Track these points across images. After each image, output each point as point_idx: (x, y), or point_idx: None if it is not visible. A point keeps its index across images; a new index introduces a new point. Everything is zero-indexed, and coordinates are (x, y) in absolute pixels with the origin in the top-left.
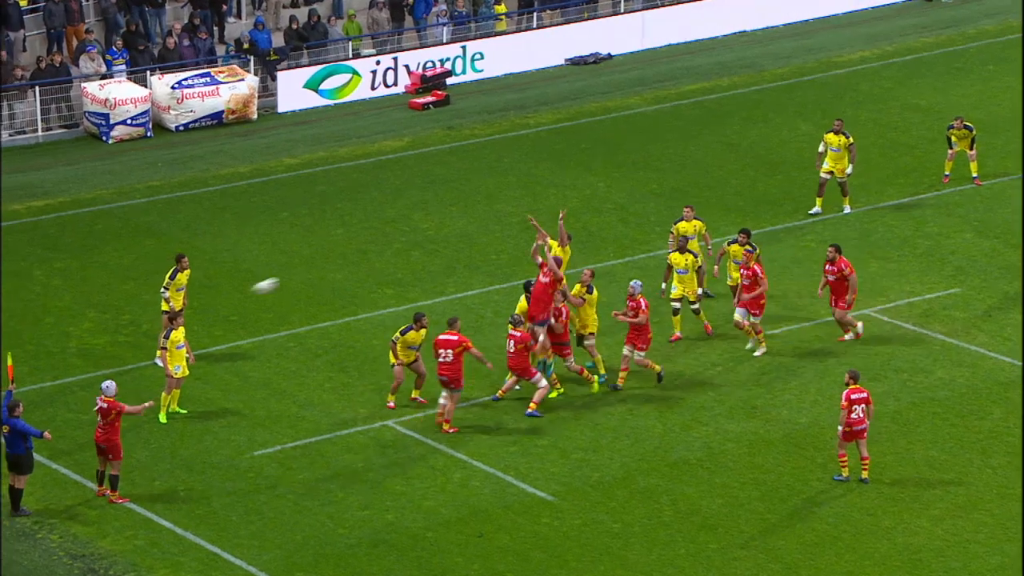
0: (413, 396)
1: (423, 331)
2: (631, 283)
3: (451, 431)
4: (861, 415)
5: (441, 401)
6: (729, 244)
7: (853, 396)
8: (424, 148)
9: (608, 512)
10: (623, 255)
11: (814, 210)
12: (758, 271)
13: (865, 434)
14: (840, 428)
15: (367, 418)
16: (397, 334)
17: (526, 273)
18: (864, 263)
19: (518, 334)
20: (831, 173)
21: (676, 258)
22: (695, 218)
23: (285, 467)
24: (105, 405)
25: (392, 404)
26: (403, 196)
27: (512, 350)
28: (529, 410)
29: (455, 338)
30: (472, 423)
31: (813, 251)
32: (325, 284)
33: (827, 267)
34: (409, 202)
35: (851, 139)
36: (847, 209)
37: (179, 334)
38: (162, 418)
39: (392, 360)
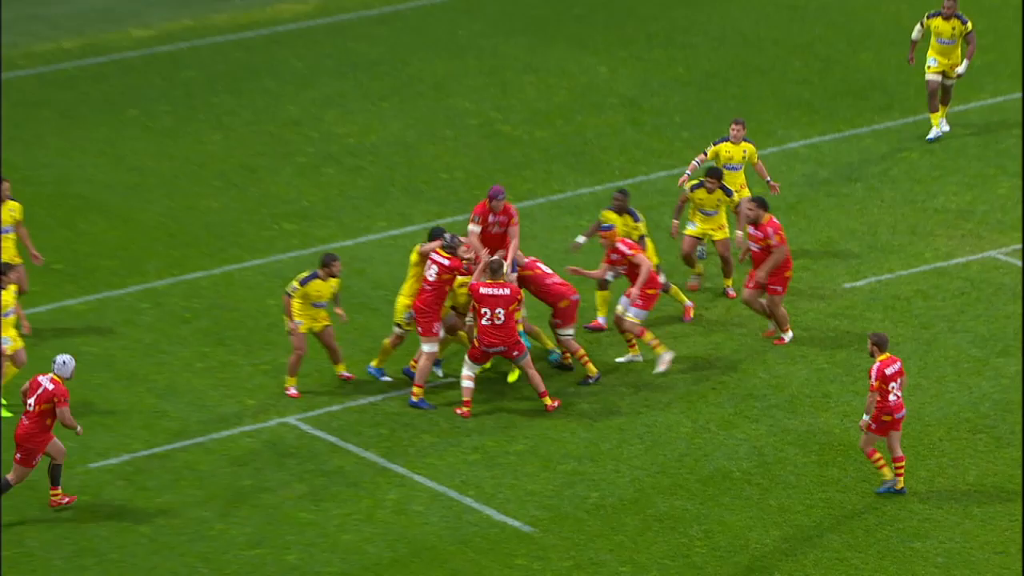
0: (340, 373)
1: (333, 280)
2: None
3: (555, 405)
4: (899, 396)
5: (468, 384)
6: (693, 188)
7: (887, 370)
8: (341, 15)
9: (612, 549)
10: (633, 173)
11: (934, 133)
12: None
13: (901, 424)
14: (866, 419)
15: (258, 413)
16: (295, 283)
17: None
18: (993, 183)
19: (446, 261)
20: (941, 74)
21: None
22: (745, 140)
23: (136, 486)
24: (51, 387)
25: (293, 391)
26: (310, 87)
27: (433, 279)
28: (412, 399)
29: (506, 292)
30: (410, 420)
31: (914, 165)
32: (195, 217)
33: (749, 229)
34: (319, 96)
35: (969, 25)
36: (936, 132)
37: (8, 296)
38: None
39: (287, 323)
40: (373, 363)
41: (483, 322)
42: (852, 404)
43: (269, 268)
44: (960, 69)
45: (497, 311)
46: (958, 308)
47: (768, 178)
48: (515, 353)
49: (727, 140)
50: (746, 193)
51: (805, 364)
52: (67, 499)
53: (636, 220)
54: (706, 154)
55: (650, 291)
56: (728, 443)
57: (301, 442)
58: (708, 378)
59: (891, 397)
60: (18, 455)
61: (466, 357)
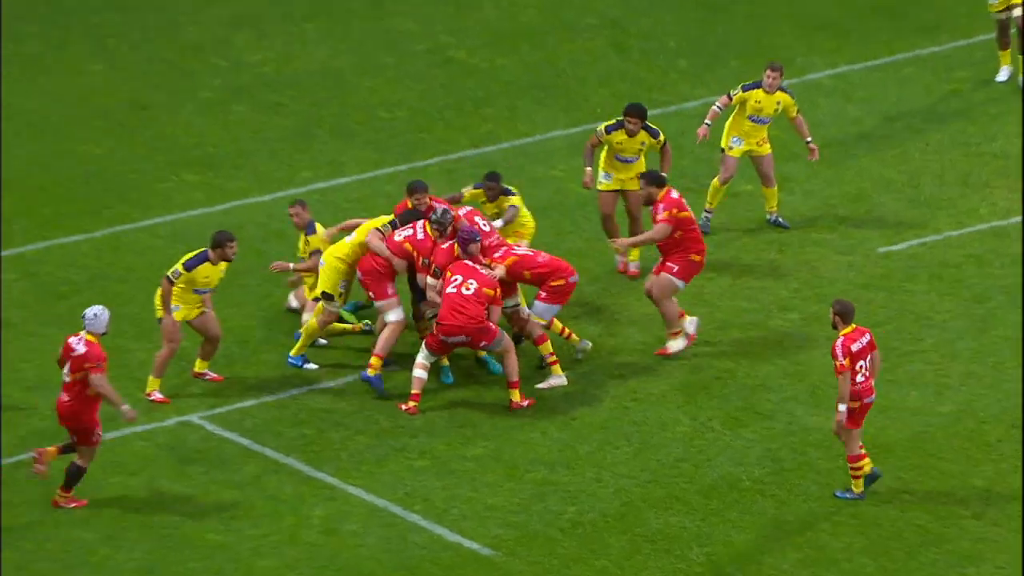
0: (199, 371)
1: (223, 265)
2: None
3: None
4: (867, 377)
5: (420, 374)
6: (610, 129)
7: (853, 346)
8: None
9: None
10: (617, 110)
11: (1004, 73)
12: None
13: (866, 413)
14: (843, 410)
15: (153, 410)
16: (179, 267)
17: (443, 146)
18: None
19: (421, 235)
20: (1007, 9)
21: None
22: (781, 89)
23: None
24: (83, 349)
25: (158, 394)
26: (215, 3)
27: (397, 240)
28: (365, 372)
29: (484, 272)
30: (342, 418)
31: (967, 100)
32: (72, 166)
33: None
34: (226, 15)
35: None
36: (1007, 71)
37: None
38: None
39: (158, 309)
40: (293, 351)
41: (448, 289)
42: (890, 397)
43: (166, 230)
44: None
45: (469, 281)
46: (1019, 277)
47: (808, 138)
48: (482, 343)
49: (759, 87)
50: (766, 149)
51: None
52: (74, 503)
53: (510, 195)
54: (731, 98)
55: (555, 282)
56: (735, 445)
57: (207, 445)
58: (710, 366)
59: (858, 378)
60: (73, 437)
61: (423, 344)
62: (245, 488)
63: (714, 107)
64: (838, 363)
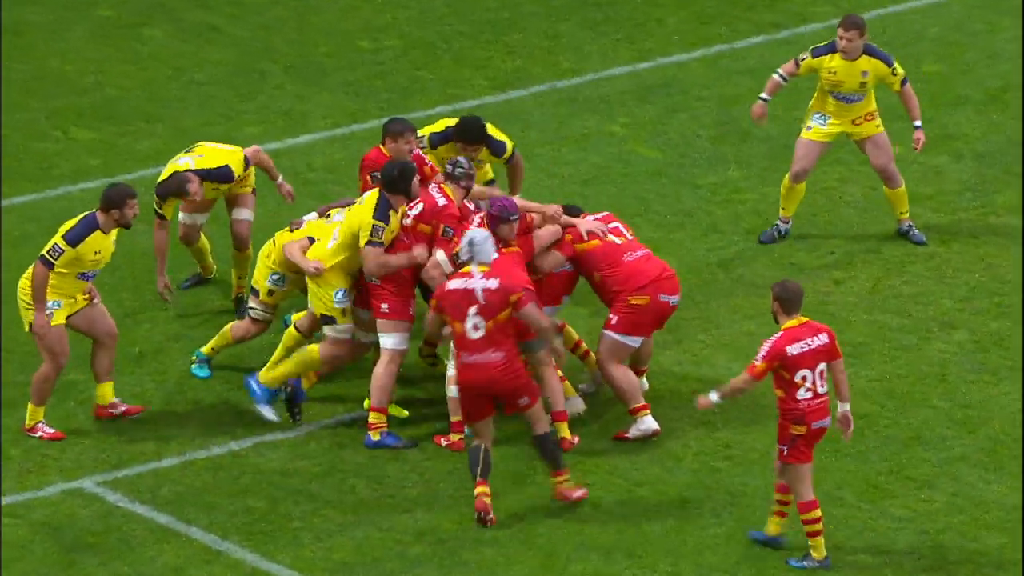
0: (105, 404)
1: (115, 234)
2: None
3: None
4: (819, 394)
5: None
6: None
7: (791, 348)
8: None
9: None
10: (701, 24)
11: None
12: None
13: (817, 441)
14: (712, 398)
15: (26, 471)
16: (58, 241)
17: (451, 89)
18: None
19: (443, 200)
20: None
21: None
22: (868, 53)
23: None
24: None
25: (47, 430)
26: None
27: (407, 223)
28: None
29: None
30: (304, 484)
31: None
32: None
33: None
34: None
35: None
36: None
37: None
38: None
39: (27, 309)
40: (261, 375)
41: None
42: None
43: (46, 211)
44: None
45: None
46: None
47: (917, 120)
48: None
49: (833, 50)
50: (873, 129)
51: (1017, 381)
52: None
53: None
54: (799, 65)
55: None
56: (877, 525)
57: (106, 524)
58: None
59: (801, 393)
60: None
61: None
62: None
63: (776, 76)
64: (754, 362)
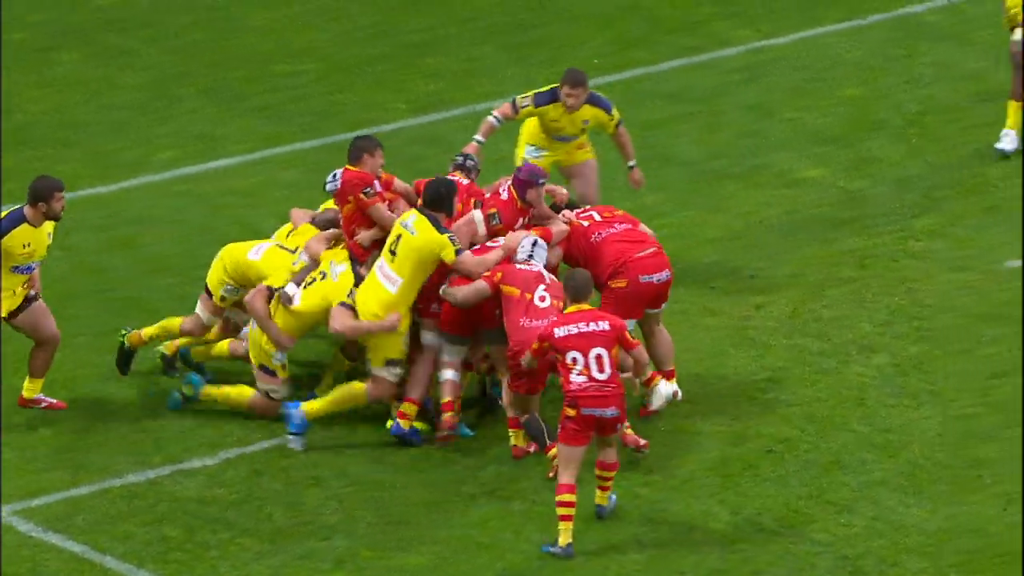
0: (30, 396)
1: (50, 227)
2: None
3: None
4: (598, 375)
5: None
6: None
7: (559, 329)
8: None
9: None
10: (620, 49)
11: (1008, 142)
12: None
13: (615, 428)
14: (562, 418)
15: None
16: None
17: (368, 113)
18: None
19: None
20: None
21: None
22: (589, 102)
23: None
24: None
25: (43, 397)
26: None
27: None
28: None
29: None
30: (222, 511)
31: None
32: None
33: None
34: None
35: None
36: (1012, 140)
37: None
38: None
39: None
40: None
41: (574, 374)
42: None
43: None
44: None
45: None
46: None
47: (631, 160)
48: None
49: (556, 99)
50: (584, 156)
51: (935, 404)
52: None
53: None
54: (517, 111)
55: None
56: (797, 550)
57: (17, 555)
58: (759, 434)
59: (574, 376)
60: None
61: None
62: None
63: (490, 119)
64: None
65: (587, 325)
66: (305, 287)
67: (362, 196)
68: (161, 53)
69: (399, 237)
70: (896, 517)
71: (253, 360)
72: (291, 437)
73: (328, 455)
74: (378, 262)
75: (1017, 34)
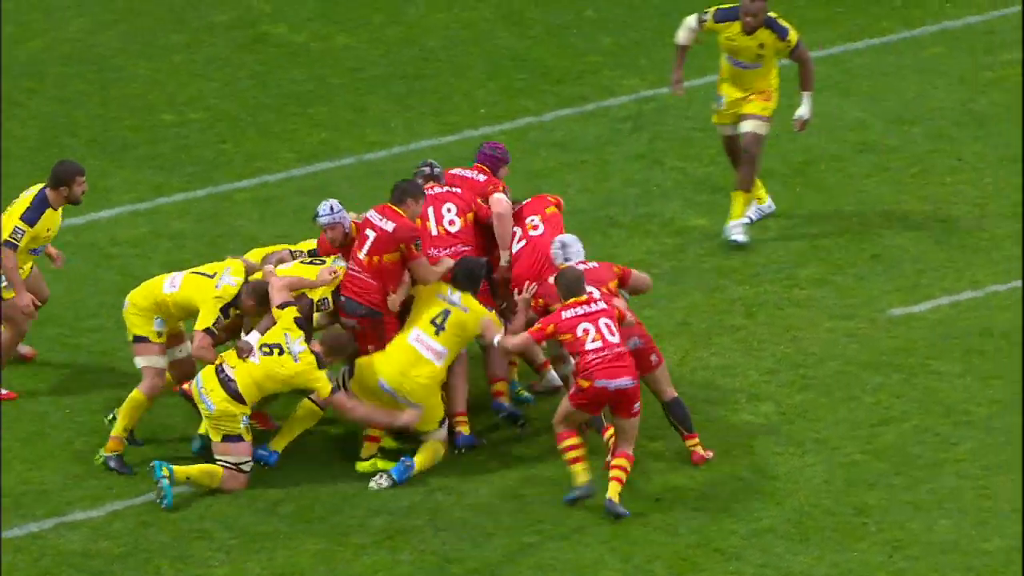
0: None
1: (61, 210)
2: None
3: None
4: (611, 338)
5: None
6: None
7: (567, 312)
8: None
9: None
10: (508, 97)
11: (736, 232)
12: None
13: (633, 406)
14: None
15: None
16: (18, 224)
17: (257, 163)
18: None
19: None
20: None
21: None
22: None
23: None
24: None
25: None
26: None
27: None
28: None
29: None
30: (106, 564)
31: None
32: None
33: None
34: None
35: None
36: (740, 229)
37: None
38: None
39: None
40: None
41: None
42: (909, 528)
43: None
44: (801, 112)
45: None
46: None
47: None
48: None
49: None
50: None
51: (821, 451)
52: None
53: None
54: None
55: None
56: None
57: None
58: (649, 480)
59: (589, 344)
60: None
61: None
62: None
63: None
64: (537, 326)
65: (589, 306)
66: (263, 351)
67: (414, 248)
68: (46, 103)
69: (446, 312)
70: (784, 564)
71: (214, 436)
72: None
73: (216, 506)
74: (415, 333)
75: (747, 126)
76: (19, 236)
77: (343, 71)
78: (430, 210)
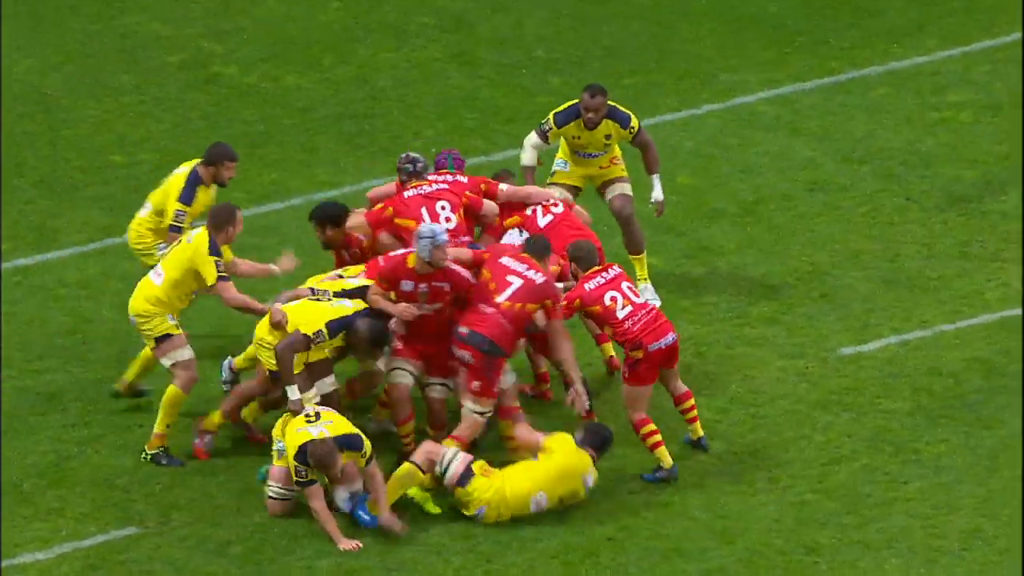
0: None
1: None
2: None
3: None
4: (638, 300)
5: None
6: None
7: (589, 284)
8: None
9: None
10: (460, 136)
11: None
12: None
13: (677, 355)
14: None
15: None
16: (179, 207)
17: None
18: None
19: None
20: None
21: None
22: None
23: None
24: None
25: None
26: None
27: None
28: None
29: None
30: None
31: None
32: None
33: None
34: None
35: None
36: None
37: None
38: None
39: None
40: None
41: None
42: (860, 567)
43: None
44: (656, 196)
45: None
46: None
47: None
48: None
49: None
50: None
51: (773, 490)
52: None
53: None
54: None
55: None
56: None
57: None
58: (591, 530)
59: (620, 312)
60: None
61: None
62: None
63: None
64: (561, 304)
65: (608, 272)
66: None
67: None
68: None
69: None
70: None
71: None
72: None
73: (165, 548)
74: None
75: (614, 191)
76: (182, 218)
77: (293, 111)
78: (423, 210)
